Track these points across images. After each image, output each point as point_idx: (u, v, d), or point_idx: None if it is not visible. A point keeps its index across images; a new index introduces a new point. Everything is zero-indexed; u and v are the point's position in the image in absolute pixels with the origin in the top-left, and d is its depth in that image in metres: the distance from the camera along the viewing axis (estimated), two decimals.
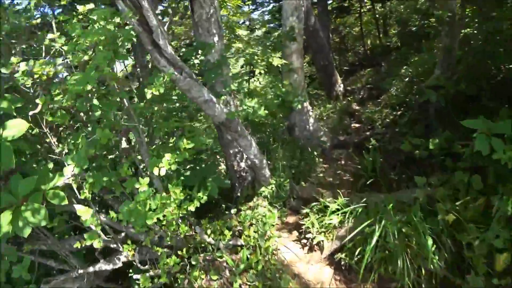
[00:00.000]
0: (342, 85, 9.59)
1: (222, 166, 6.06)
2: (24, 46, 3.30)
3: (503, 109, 3.77)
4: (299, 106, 5.05)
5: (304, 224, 4.06)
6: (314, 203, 4.14)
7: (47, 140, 2.89)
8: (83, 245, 2.68)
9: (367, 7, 13.76)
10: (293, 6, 5.79)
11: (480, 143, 3.15)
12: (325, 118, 8.36)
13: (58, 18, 2.79)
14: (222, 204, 5.12)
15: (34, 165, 3.05)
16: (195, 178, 4.09)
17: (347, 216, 3.77)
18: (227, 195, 5.39)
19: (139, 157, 3.53)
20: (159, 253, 3.35)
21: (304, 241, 4.09)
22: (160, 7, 5.86)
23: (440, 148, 4.25)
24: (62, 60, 2.83)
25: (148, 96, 2.58)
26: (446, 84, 4.63)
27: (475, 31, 5.01)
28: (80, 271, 3.13)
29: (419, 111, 5.62)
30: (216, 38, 4.41)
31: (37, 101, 2.57)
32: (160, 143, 3.73)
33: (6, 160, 2.33)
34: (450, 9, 4.71)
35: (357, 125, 7.45)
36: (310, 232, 3.98)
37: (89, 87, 2.48)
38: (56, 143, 2.96)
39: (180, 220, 3.81)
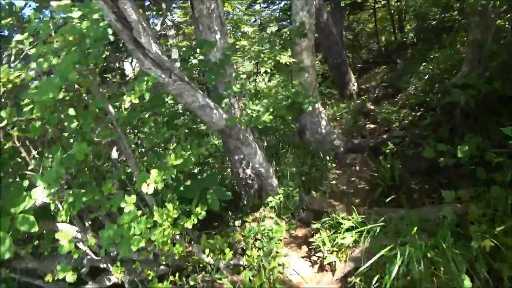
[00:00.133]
0: (356, 84, 8.90)
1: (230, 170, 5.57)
2: None
3: None
4: (310, 108, 4.48)
5: (314, 242, 3.52)
6: (326, 219, 3.58)
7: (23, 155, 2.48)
8: (56, 278, 2.25)
9: (382, 2, 12.91)
10: (303, 0, 5.20)
11: None
12: (338, 118, 7.74)
13: (31, 16, 2.33)
14: (228, 212, 4.65)
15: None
16: (195, 189, 3.61)
17: (363, 235, 3.19)
18: (233, 202, 4.91)
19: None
20: (150, 277, 2.90)
21: (314, 258, 3.57)
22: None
23: (470, 156, 3.60)
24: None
25: (127, 104, 2.09)
26: (476, 82, 3.95)
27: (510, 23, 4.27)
28: None
29: (442, 112, 4.94)
30: (218, 36, 3.90)
31: (1, 113, 2.14)
32: (158, 150, 3.25)
33: None
34: None
35: (372, 126, 6.79)
36: (320, 251, 3.44)
37: (60, 96, 2.03)
38: (35, 157, 2.54)
39: (178, 236, 3.35)
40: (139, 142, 3.26)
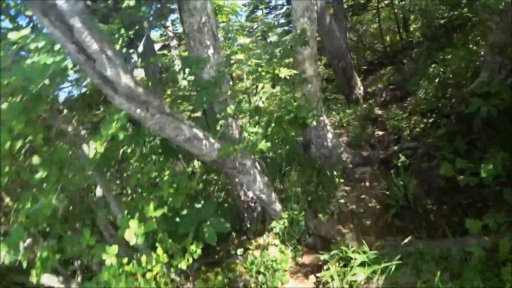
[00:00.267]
0: (362, 88, 8.34)
1: None
2: None
3: None
4: (314, 123, 4.01)
5: (323, 276, 3.07)
6: (335, 251, 3.13)
7: None
8: None
9: (385, 2, 12.24)
10: (303, 6, 4.72)
11: None
12: (344, 125, 7.21)
13: None
14: (232, 233, 4.23)
15: None
16: (191, 222, 3.20)
17: (377, 273, 2.73)
18: (236, 222, 4.50)
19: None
20: None
21: None
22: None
23: (495, 176, 3.09)
24: None
25: (91, 154, 1.70)
26: (500, 90, 3.42)
27: None
28: None
29: (457, 121, 4.40)
30: (211, 51, 3.49)
31: None
32: (145, 185, 2.85)
33: None
34: None
35: (380, 132, 6.25)
36: (329, 287, 3.00)
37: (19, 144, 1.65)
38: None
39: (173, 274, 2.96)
40: (123, 178, 2.87)
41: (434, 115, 5.27)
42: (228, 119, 3.56)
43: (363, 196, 4.30)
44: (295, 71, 4.16)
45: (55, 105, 1.71)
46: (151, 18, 3.80)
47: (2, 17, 2.65)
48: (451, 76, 5.37)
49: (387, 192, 4.00)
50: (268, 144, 2.64)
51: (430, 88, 5.91)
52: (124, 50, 3.81)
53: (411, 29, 11.23)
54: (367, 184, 4.51)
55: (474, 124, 3.85)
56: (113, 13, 3.44)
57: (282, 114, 4.11)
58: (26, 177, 1.84)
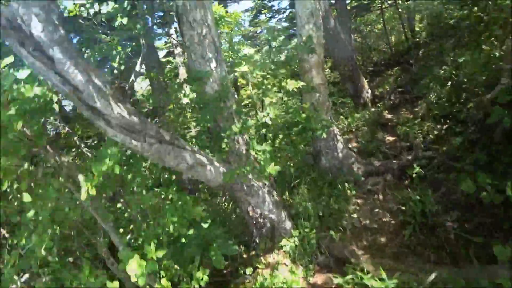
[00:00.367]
0: (369, 91, 8.02)
1: None
2: None
3: None
4: (324, 135, 3.74)
5: None
6: (350, 276, 2.86)
7: None
8: None
9: (389, 2, 11.84)
10: (308, 12, 4.43)
11: None
12: (353, 130, 6.91)
13: None
14: (240, 246, 4.00)
15: None
16: (197, 246, 2.97)
17: None
18: (245, 236, 4.27)
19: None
20: None
21: None
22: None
23: None
24: None
25: (83, 196, 1.48)
26: None
27: None
28: None
29: (475, 129, 4.08)
30: (213, 64, 3.25)
31: None
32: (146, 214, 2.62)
33: None
34: None
35: (391, 138, 5.94)
36: None
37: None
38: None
39: None
40: (123, 208, 2.65)
41: (448, 121, 4.94)
42: (236, 136, 3.32)
43: (376, 210, 4.02)
44: (303, 83, 3.89)
45: (41, 144, 1.50)
46: (151, 30, 3.59)
47: None
48: (465, 80, 5.01)
49: (403, 207, 3.71)
50: (277, 167, 2.39)
51: (442, 92, 5.57)
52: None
53: (417, 29, 10.83)
54: (380, 197, 4.23)
55: (495, 135, 3.54)
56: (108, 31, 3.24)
57: (290, 126, 3.87)
58: (14, 221, 1.64)
